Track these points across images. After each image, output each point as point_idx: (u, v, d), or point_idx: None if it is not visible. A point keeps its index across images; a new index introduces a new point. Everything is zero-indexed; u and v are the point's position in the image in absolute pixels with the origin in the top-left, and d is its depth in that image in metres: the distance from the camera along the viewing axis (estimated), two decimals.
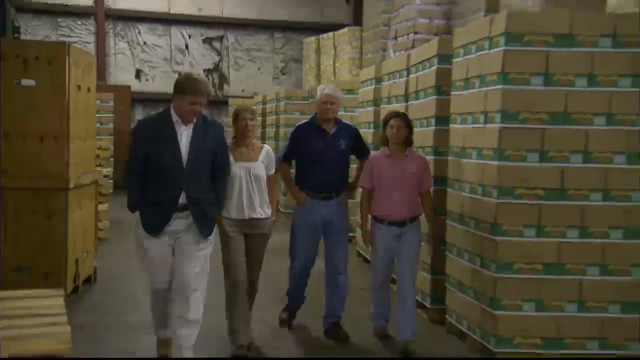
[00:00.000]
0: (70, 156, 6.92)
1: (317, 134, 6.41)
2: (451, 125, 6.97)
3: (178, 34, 19.37)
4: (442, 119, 7.25)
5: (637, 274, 5.79)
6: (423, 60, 8.03)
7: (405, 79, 8.73)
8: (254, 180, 5.79)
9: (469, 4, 11.37)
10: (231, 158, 5.66)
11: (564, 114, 5.78)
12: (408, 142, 6.20)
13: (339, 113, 6.67)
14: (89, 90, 7.87)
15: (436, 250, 6.65)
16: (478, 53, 6.29)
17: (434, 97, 7.48)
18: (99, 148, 8.88)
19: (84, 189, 7.69)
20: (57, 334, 3.23)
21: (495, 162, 5.75)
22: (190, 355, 5.22)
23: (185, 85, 5.04)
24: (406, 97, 8.58)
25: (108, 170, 11.16)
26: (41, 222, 6.78)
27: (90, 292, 7.99)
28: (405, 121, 6.12)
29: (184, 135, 5.03)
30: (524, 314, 5.73)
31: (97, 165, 8.99)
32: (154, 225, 5.07)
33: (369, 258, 8.30)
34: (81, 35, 18.52)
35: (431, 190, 6.47)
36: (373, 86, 10.24)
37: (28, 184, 6.73)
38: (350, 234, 8.20)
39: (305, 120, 6.86)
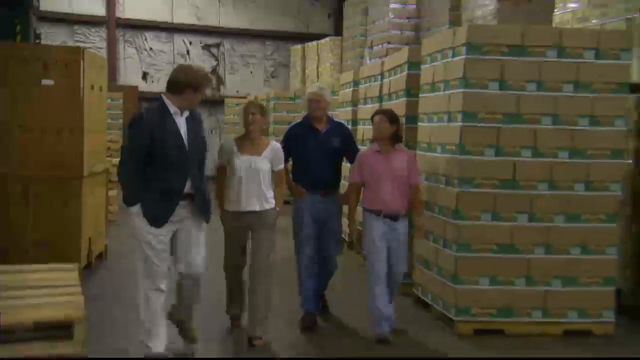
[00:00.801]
0: (84, 147, 6.90)
1: (309, 132, 5.96)
2: (419, 124, 7.01)
3: (180, 41, 19.25)
4: (411, 117, 7.27)
5: (575, 253, 5.92)
6: (395, 67, 8.05)
7: (379, 82, 8.72)
8: (254, 174, 5.23)
9: (435, 19, 11.44)
10: (235, 150, 5.26)
11: (516, 114, 5.84)
12: (396, 138, 5.66)
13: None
14: (101, 89, 7.84)
15: (422, 240, 6.22)
16: (443, 61, 6.33)
17: (404, 98, 7.50)
18: (110, 141, 8.84)
19: (96, 176, 7.68)
20: (72, 302, 3.26)
21: (457, 156, 5.79)
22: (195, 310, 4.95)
23: (200, 80, 4.65)
24: (380, 98, 8.57)
25: (117, 160, 11.14)
26: (59, 206, 6.76)
27: (101, 267, 7.99)
28: (389, 117, 5.58)
29: (182, 126, 4.61)
30: (480, 288, 5.79)
31: (107, 156, 8.94)
32: (160, 216, 4.52)
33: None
34: (94, 41, 18.38)
35: (421, 184, 5.97)
36: (351, 88, 10.22)
37: (47, 172, 6.70)
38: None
39: (298, 121, 6.37)
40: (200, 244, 4.80)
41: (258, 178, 5.24)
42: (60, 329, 3.13)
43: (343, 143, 6.04)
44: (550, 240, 5.90)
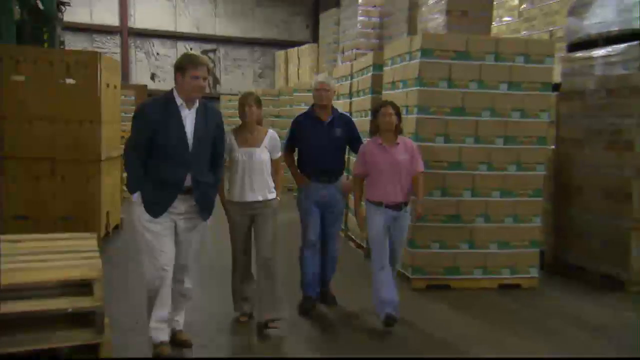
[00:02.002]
0: (101, 136, 6.84)
1: (314, 122, 5.18)
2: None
3: (182, 47, 19.09)
4: (377, 111, 7.23)
5: (509, 222, 6.04)
6: (362, 68, 8.04)
7: (349, 81, 8.70)
8: (256, 165, 4.53)
9: (395, 29, 11.45)
10: (235, 143, 4.54)
11: (461, 108, 5.88)
12: (398, 130, 4.85)
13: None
14: (115, 87, 7.78)
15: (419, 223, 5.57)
16: (401, 63, 6.33)
17: (370, 95, 7.51)
18: (123, 131, 8.78)
19: (112, 160, 7.62)
20: (91, 264, 3.22)
21: (414, 143, 5.75)
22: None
23: (183, 61, 3.90)
24: (350, 95, 8.57)
25: None
26: (81, 184, 6.69)
27: (117, 236, 7.93)
28: (395, 110, 4.78)
29: (188, 119, 3.87)
30: (432, 251, 5.88)
31: (122, 143, 8.89)
32: (158, 206, 3.86)
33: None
34: (110, 47, 18.22)
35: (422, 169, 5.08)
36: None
37: (71, 156, 6.61)
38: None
39: (304, 111, 5.53)
40: (192, 242, 4.13)
41: (260, 168, 4.57)
42: (82, 287, 3.09)
43: (346, 132, 5.28)
44: (489, 211, 6.00)
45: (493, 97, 5.92)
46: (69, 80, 6.66)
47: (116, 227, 8.10)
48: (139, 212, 3.89)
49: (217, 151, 4.18)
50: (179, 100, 3.90)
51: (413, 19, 11.00)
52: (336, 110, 5.34)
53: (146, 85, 17.46)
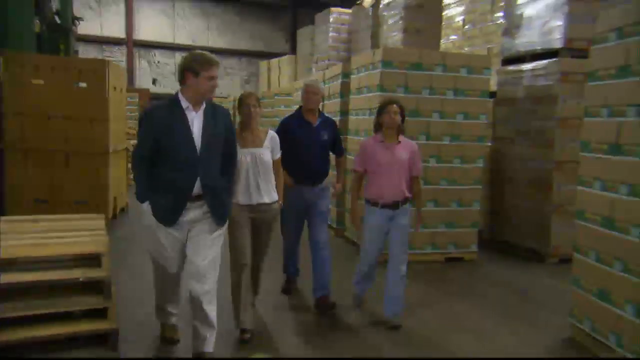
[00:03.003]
0: (109, 132, 6.78)
1: (302, 125, 4.49)
2: (349, 117, 7.02)
3: (179, 56, 18.93)
4: (344, 112, 7.26)
5: (454, 206, 6.11)
6: (333, 76, 8.02)
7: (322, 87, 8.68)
8: (260, 166, 3.78)
9: (361, 43, 11.45)
10: (237, 144, 3.63)
11: (416, 110, 5.88)
12: (400, 129, 4.18)
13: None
14: (121, 90, 7.71)
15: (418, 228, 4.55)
16: (366, 72, 6.33)
17: (339, 99, 7.50)
18: (128, 128, 8.77)
19: (118, 152, 7.53)
20: (99, 241, 3.17)
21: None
22: (213, 311, 3.30)
23: (197, 61, 3.14)
24: (323, 99, 8.56)
25: (134, 142, 11.02)
26: (92, 173, 6.62)
27: (123, 218, 7.84)
28: (401, 108, 4.10)
29: (195, 122, 3.14)
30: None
31: (127, 139, 8.86)
32: (168, 214, 3.16)
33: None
34: (117, 56, 18.04)
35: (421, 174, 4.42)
36: (301, 92, 10.10)
37: (83, 149, 6.54)
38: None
39: (291, 113, 4.78)
40: (208, 247, 3.26)
41: (264, 169, 3.82)
42: (92, 260, 3.03)
43: (332, 136, 4.61)
44: (438, 197, 6.05)
45: (442, 102, 5.98)
46: (81, 84, 6.61)
47: (122, 210, 8.02)
48: (149, 221, 3.20)
49: (229, 153, 3.42)
50: (184, 104, 3.17)
51: (375, 35, 11.03)
52: (323, 114, 4.71)
53: (148, 89, 17.33)
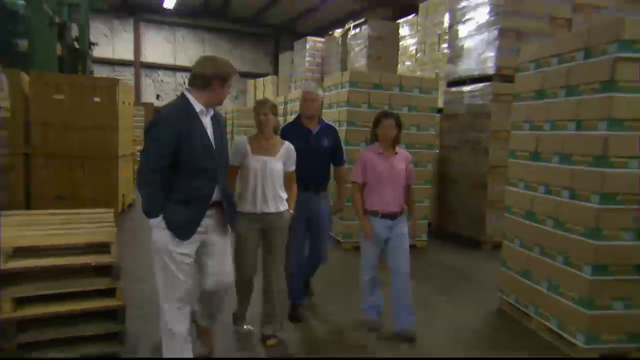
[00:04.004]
0: (118, 139, 6.68)
1: (302, 132, 3.74)
2: None
3: (179, 76, 18.80)
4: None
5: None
6: None
7: (298, 103, 8.66)
8: (269, 175, 3.11)
9: (332, 67, 11.50)
10: (249, 150, 3.13)
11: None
12: (396, 140, 3.60)
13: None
14: (129, 104, 7.61)
15: (414, 235, 4.23)
16: (335, 90, 6.32)
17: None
18: (136, 136, 8.67)
19: (126, 157, 7.40)
20: (109, 231, 3.13)
21: (344, 146, 5.78)
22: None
23: (227, 70, 2.60)
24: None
25: (139, 147, 10.95)
26: (104, 174, 6.50)
27: (131, 212, 7.68)
28: (396, 121, 3.54)
29: (208, 126, 2.59)
30: (353, 223, 5.68)
31: (133, 146, 8.76)
32: (188, 226, 2.52)
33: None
34: (126, 75, 17.77)
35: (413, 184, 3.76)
36: (283, 105, 10.02)
37: (97, 154, 6.43)
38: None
39: (291, 121, 4.02)
40: (228, 254, 2.82)
41: (273, 179, 3.15)
42: (103, 247, 3.00)
43: (333, 144, 3.86)
44: None
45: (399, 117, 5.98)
46: (96, 99, 6.49)
47: (129, 206, 7.89)
48: (161, 236, 2.50)
49: (226, 158, 2.87)
50: (197, 107, 2.55)
51: (344, 60, 11.11)
52: (323, 120, 3.91)
53: (152, 103, 17.16)
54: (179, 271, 2.52)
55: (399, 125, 3.56)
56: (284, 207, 3.22)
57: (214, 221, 2.68)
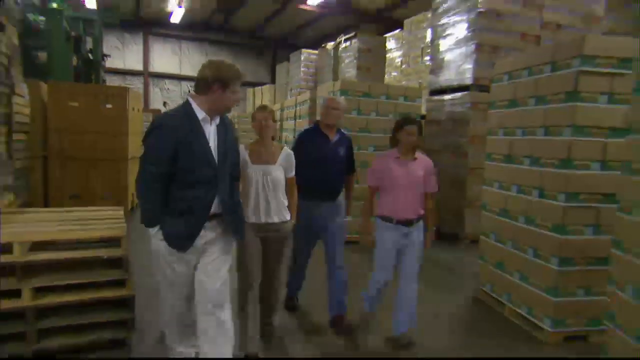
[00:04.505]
0: (128, 143, 6.66)
1: (321, 139, 3.39)
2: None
3: (185, 85, 18.76)
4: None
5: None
6: (303, 101, 8.01)
7: (294, 109, 8.63)
8: (271, 184, 2.78)
9: (325, 77, 11.49)
10: (248, 159, 2.79)
11: (366, 129, 5.91)
12: (416, 146, 3.18)
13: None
14: (138, 111, 7.59)
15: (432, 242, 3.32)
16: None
17: (307, 118, 7.49)
18: (143, 140, 8.73)
19: (135, 159, 7.35)
20: (120, 227, 3.13)
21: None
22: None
23: (228, 74, 2.26)
24: (295, 118, 8.55)
25: None
26: (115, 175, 6.50)
27: (139, 210, 7.58)
28: (419, 127, 3.12)
29: (211, 134, 2.28)
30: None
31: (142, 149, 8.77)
32: (185, 238, 2.24)
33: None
34: (136, 84, 17.65)
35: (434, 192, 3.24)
36: (280, 112, 10.06)
37: (108, 157, 6.43)
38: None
39: (309, 127, 3.66)
40: (222, 270, 2.36)
41: (274, 187, 2.81)
42: (114, 241, 3.01)
43: (346, 152, 3.51)
44: None
45: (385, 122, 5.95)
46: (108, 106, 6.48)
47: (138, 204, 7.84)
48: (160, 247, 2.28)
49: (234, 168, 2.48)
50: (200, 114, 2.25)
51: (335, 71, 11.12)
52: (340, 129, 3.54)
53: (159, 110, 17.13)
54: (176, 283, 2.29)
55: (420, 131, 3.15)
56: (287, 215, 2.91)
57: (217, 233, 2.34)
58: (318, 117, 3.56)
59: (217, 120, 2.33)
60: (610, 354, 2.78)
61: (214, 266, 2.32)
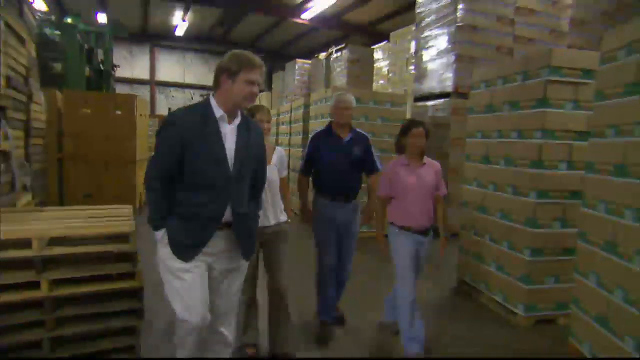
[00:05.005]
0: (136, 146, 6.63)
1: (333, 140, 3.05)
2: (309, 136, 6.95)
3: (188, 92, 18.74)
4: (305, 133, 7.22)
5: None
6: (297, 106, 8.02)
7: (289, 114, 8.64)
8: (268, 185, 2.42)
9: (317, 84, 11.48)
10: None
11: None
12: (424, 151, 2.83)
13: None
14: (145, 116, 7.58)
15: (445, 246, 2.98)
16: (320, 104, 6.37)
17: (301, 123, 7.51)
18: (150, 143, 8.64)
19: (143, 160, 7.35)
20: (128, 223, 3.12)
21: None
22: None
23: (235, 61, 1.86)
24: (289, 123, 8.56)
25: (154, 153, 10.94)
26: (124, 176, 6.49)
27: (146, 208, 7.50)
28: (426, 131, 2.78)
29: (229, 136, 1.90)
30: None
31: (149, 151, 8.74)
32: (189, 246, 1.91)
33: None
34: (143, 92, 17.57)
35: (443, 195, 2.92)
36: (276, 117, 10.03)
37: (118, 159, 6.42)
38: None
39: (322, 128, 3.22)
40: (233, 286, 2.06)
41: (271, 189, 2.55)
42: (122, 237, 3.01)
43: (364, 152, 3.09)
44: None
45: (373, 126, 5.98)
46: (117, 112, 6.48)
47: (145, 202, 7.82)
48: (164, 254, 1.96)
49: (259, 175, 2.10)
50: (217, 112, 1.90)
51: (327, 79, 11.14)
52: (355, 129, 3.16)
53: (165, 115, 17.16)
54: (184, 290, 1.90)
55: (427, 134, 2.79)
56: (284, 217, 2.63)
57: (228, 243, 1.96)
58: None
59: (238, 120, 1.96)
60: (575, 335, 2.83)
61: (225, 283, 1.97)
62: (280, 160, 2.72)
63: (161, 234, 1.96)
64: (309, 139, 3.20)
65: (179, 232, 1.91)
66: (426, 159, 2.86)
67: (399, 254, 2.75)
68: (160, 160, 1.90)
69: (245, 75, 1.86)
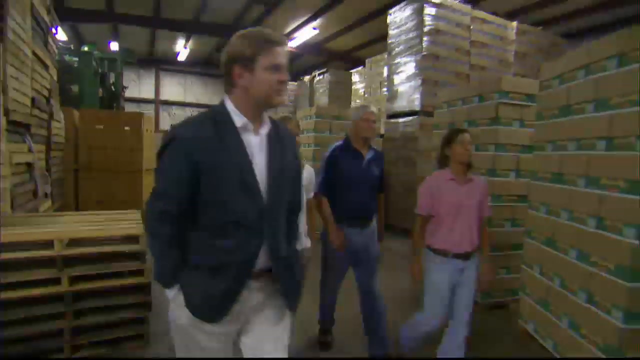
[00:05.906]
0: (143, 157, 6.55)
1: (355, 157, 2.43)
2: (302, 148, 6.96)
3: (189, 110, 18.62)
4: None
5: None
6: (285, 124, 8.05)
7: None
8: None
9: (302, 103, 11.54)
10: None
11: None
12: (471, 163, 2.17)
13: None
14: (150, 131, 7.50)
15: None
16: (306, 121, 6.39)
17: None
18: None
19: (149, 170, 7.29)
20: (135, 226, 3.12)
21: (313, 147, 5.83)
22: None
23: (250, 44, 1.01)
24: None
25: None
26: (132, 184, 6.38)
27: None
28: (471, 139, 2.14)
29: (256, 151, 1.05)
30: None
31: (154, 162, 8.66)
32: (214, 305, 1.04)
33: None
34: (149, 110, 17.40)
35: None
36: None
37: (127, 169, 6.34)
38: None
39: (339, 143, 2.57)
40: (280, 348, 1.20)
41: None
42: (132, 239, 3.00)
43: (380, 170, 2.57)
44: None
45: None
46: (126, 128, 6.41)
47: None
48: (181, 317, 1.20)
49: (296, 200, 1.34)
50: (238, 120, 1.15)
51: (311, 98, 11.21)
52: (371, 146, 2.57)
53: (167, 130, 16.96)
54: (213, 352, 1.22)
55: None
56: (300, 245, 2.04)
57: (266, 295, 1.26)
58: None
59: (267, 128, 1.23)
60: (522, 316, 2.94)
61: (269, 347, 1.23)
62: (310, 180, 2.15)
63: (174, 293, 1.21)
64: (328, 153, 2.51)
65: (200, 287, 1.17)
66: (472, 176, 2.19)
67: (432, 285, 2.14)
68: (163, 194, 1.16)
69: (267, 59, 1.13)
